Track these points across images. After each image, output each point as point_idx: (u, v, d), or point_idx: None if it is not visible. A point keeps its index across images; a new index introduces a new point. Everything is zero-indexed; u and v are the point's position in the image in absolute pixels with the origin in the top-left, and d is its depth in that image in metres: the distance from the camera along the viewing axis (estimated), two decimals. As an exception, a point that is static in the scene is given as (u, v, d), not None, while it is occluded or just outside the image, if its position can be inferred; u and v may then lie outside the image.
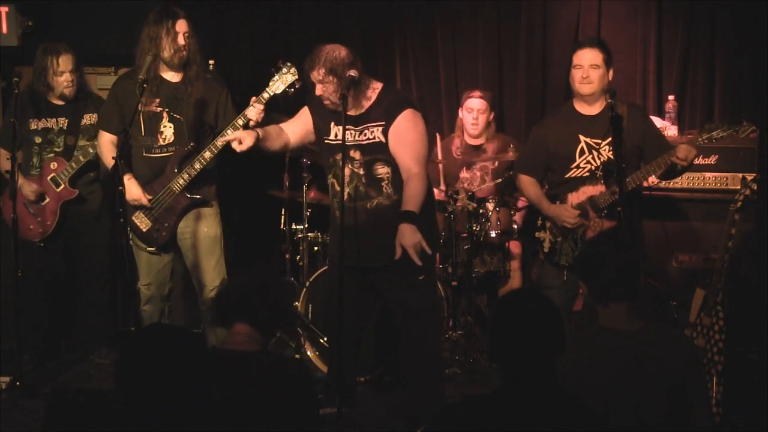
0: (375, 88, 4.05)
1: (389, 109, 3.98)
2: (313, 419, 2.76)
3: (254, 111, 4.31)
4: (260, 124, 4.44)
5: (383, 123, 3.98)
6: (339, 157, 3.95)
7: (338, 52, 3.96)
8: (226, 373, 2.63)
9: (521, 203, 5.19)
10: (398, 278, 3.96)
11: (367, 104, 4.02)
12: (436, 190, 5.21)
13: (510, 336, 2.33)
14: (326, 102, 4.01)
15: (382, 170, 4.01)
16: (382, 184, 4.00)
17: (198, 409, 2.15)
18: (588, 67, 4.32)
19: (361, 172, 4.02)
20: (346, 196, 4.04)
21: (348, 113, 3.93)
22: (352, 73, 3.98)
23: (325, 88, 3.97)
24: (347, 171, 4.04)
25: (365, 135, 4.01)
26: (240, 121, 4.34)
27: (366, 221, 4.03)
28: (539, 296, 2.48)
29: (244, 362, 2.71)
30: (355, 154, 4.02)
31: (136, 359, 2.14)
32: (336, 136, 4.06)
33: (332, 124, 4.10)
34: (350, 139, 4.01)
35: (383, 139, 3.97)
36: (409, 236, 3.69)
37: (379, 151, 3.97)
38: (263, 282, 2.89)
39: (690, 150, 4.23)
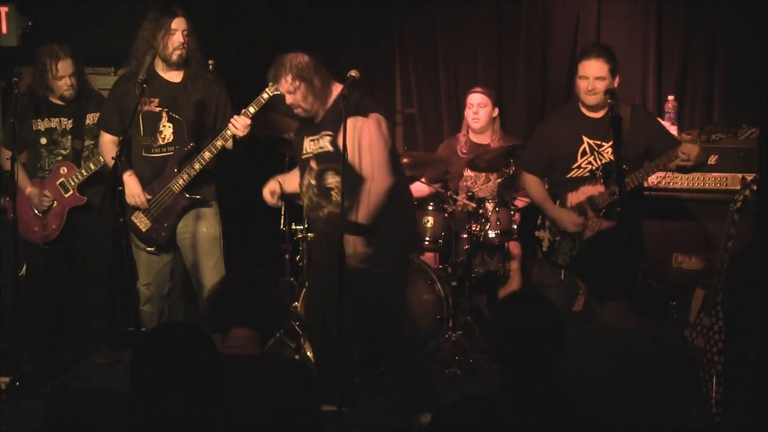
0: (333, 93, 4.02)
1: (339, 117, 3.89)
2: (316, 421, 2.74)
3: (240, 123, 4.33)
4: (259, 125, 4.45)
5: (331, 133, 3.96)
6: (305, 172, 4.06)
7: (301, 57, 3.95)
8: (227, 379, 2.61)
9: (519, 203, 5.18)
10: (359, 275, 3.94)
11: (324, 111, 4.02)
12: (431, 188, 5.23)
13: (510, 337, 2.33)
14: (297, 111, 4.00)
15: (332, 180, 3.99)
16: (332, 193, 4.00)
17: (211, 408, 2.14)
18: (593, 79, 4.30)
19: (314, 182, 4.04)
20: (305, 207, 4.13)
21: (310, 120, 3.98)
22: (353, 73, 3.98)
23: (295, 97, 3.95)
24: (305, 181, 4.09)
25: (319, 144, 4.03)
26: (228, 132, 4.36)
27: (323, 230, 4.10)
28: (540, 297, 2.47)
29: (245, 367, 2.66)
30: (313, 164, 4.04)
31: (152, 357, 2.13)
32: (306, 150, 4.08)
33: (305, 137, 4.10)
34: (311, 149, 4.05)
35: (331, 149, 3.96)
36: (349, 246, 3.78)
37: (329, 160, 3.96)
38: (259, 283, 2.84)
39: (692, 148, 4.22)
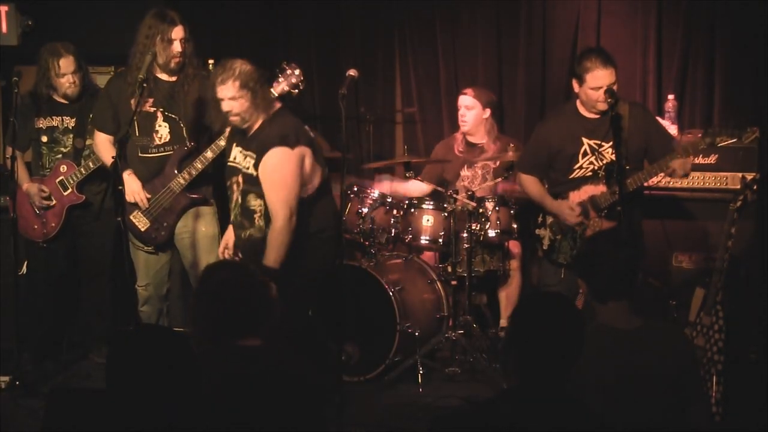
0: (268, 112, 4.00)
1: (262, 143, 3.92)
2: (317, 416, 2.71)
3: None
4: None
5: (255, 157, 3.97)
6: (233, 181, 4.08)
7: (246, 65, 3.95)
8: (230, 369, 2.59)
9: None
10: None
11: (255, 127, 4.00)
12: (434, 188, 5.22)
13: (536, 339, 2.30)
14: (233, 119, 3.98)
15: (255, 203, 4.02)
16: (255, 216, 4.03)
17: (188, 409, 2.15)
18: (606, 88, 4.29)
19: (239, 200, 4.06)
20: (231, 221, 4.18)
21: (244, 127, 3.98)
22: (352, 72, 3.98)
23: (235, 104, 3.93)
24: (234, 196, 4.09)
25: (247, 161, 4.03)
26: (221, 142, 4.36)
27: (243, 249, 4.15)
28: (565, 300, 2.44)
29: (249, 358, 2.65)
30: (240, 179, 4.05)
31: (124, 361, 2.14)
32: (234, 158, 4.09)
33: (234, 144, 4.11)
34: (240, 161, 4.05)
35: (254, 173, 3.97)
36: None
37: (252, 183, 3.97)
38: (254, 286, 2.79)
39: (685, 163, 4.23)
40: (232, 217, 4.18)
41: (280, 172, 3.91)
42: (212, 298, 2.72)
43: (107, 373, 2.14)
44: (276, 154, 3.90)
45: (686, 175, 4.40)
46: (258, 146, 3.96)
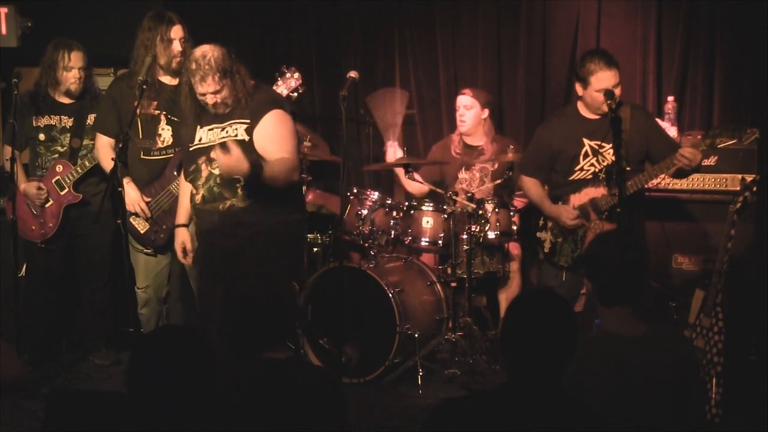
0: (246, 86, 3.95)
1: (256, 108, 3.89)
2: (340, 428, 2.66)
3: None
4: None
5: (248, 121, 3.89)
6: (201, 161, 3.94)
7: (216, 51, 3.87)
8: (258, 382, 2.57)
9: (518, 203, 5.17)
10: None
11: (235, 102, 3.93)
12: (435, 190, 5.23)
13: (525, 334, 2.31)
14: (219, 108, 3.91)
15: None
16: (237, 185, 3.90)
17: (207, 411, 2.14)
18: (612, 89, 4.27)
19: (217, 171, 3.90)
20: (199, 199, 3.99)
21: (217, 111, 3.91)
22: (352, 74, 3.97)
23: (220, 95, 3.87)
24: (205, 172, 3.94)
25: (227, 132, 3.93)
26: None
27: (219, 223, 3.97)
28: (558, 297, 2.45)
29: (277, 371, 2.60)
30: (216, 154, 3.87)
31: (148, 361, 2.13)
32: (200, 139, 3.97)
33: (198, 127, 4.00)
34: (213, 139, 3.94)
35: (246, 137, 3.88)
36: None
37: (242, 149, 3.79)
38: (283, 294, 2.72)
39: (695, 153, 4.22)
40: (202, 195, 3.98)
41: (284, 128, 3.91)
42: (239, 309, 2.65)
43: (129, 375, 2.13)
44: (276, 114, 3.90)
45: (697, 169, 4.38)
46: (252, 111, 3.90)
